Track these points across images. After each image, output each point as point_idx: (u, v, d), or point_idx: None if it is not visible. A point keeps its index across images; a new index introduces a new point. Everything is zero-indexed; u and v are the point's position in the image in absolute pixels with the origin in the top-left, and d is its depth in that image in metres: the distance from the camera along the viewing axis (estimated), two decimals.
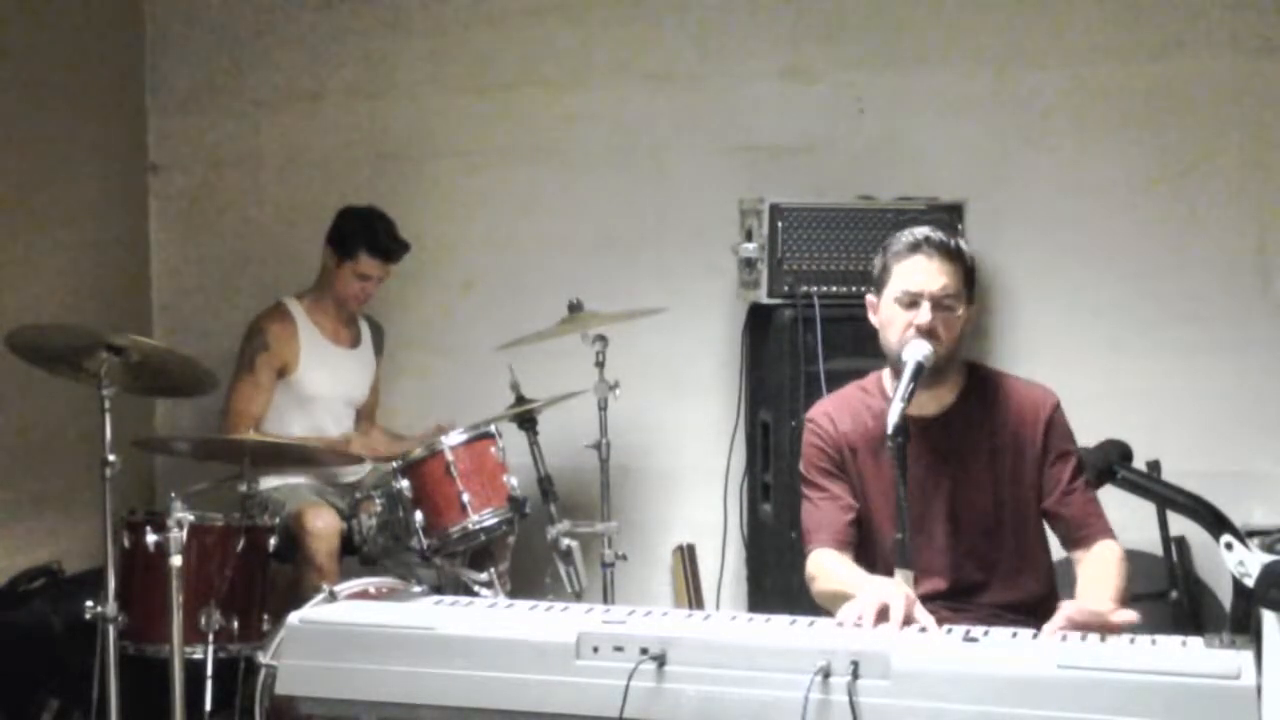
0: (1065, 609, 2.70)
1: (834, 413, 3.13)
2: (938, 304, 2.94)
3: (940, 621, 2.74)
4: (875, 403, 3.08)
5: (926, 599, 2.91)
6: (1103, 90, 4.79)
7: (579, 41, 5.15)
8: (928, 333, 2.92)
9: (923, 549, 2.98)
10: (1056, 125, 4.83)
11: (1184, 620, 4.35)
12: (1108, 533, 3.03)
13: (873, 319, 3.06)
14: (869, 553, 3.06)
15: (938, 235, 2.98)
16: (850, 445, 3.08)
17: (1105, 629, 2.65)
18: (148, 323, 5.37)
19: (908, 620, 2.67)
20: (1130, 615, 2.73)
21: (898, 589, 2.72)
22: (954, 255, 2.97)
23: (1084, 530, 3.01)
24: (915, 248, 2.96)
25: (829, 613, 2.88)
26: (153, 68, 5.43)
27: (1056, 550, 3.13)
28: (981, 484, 3.02)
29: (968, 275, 3.00)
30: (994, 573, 3.03)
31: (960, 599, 3.01)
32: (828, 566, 3.00)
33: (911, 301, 2.95)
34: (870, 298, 3.06)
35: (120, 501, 3.88)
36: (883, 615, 2.67)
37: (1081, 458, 3.05)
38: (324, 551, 4.27)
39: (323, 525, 4.29)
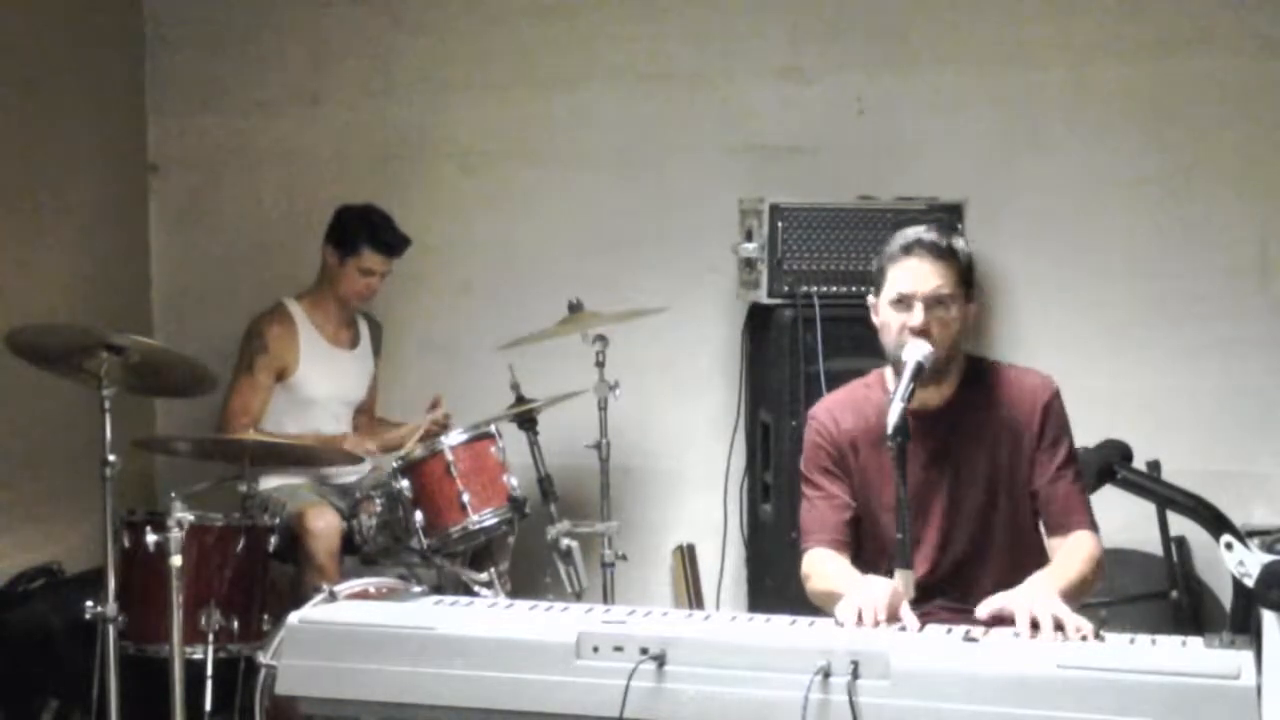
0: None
1: (836, 410, 3.15)
2: (930, 304, 2.97)
3: (940, 621, 2.76)
4: (877, 397, 3.10)
5: (922, 586, 2.92)
6: (1103, 90, 4.79)
7: (579, 41, 5.15)
8: (922, 333, 2.95)
9: (921, 538, 3.01)
10: (1056, 125, 4.83)
11: (1184, 620, 4.35)
12: (1088, 526, 3.02)
13: (874, 319, 3.09)
14: (870, 547, 3.08)
15: (929, 236, 3.02)
16: (852, 442, 3.10)
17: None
18: (148, 323, 5.37)
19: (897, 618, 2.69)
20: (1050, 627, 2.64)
21: (886, 588, 2.74)
22: (946, 255, 3.00)
23: (1064, 519, 3.02)
24: (907, 250, 3.00)
25: (824, 612, 2.89)
26: (153, 68, 5.43)
27: None
28: (978, 471, 3.05)
29: (963, 273, 3.03)
30: (988, 558, 3.04)
31: (955, 584, 3.02)
32: (821, 566, 3.03)
33: (905, 303, 2.98)
34: (871, 299, 3.10)
35: (120, 501, 3.87)
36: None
37: (1076, 449, 3.08)
38: (325, 551, 4.26)
39: (324, 525, 4.29)
